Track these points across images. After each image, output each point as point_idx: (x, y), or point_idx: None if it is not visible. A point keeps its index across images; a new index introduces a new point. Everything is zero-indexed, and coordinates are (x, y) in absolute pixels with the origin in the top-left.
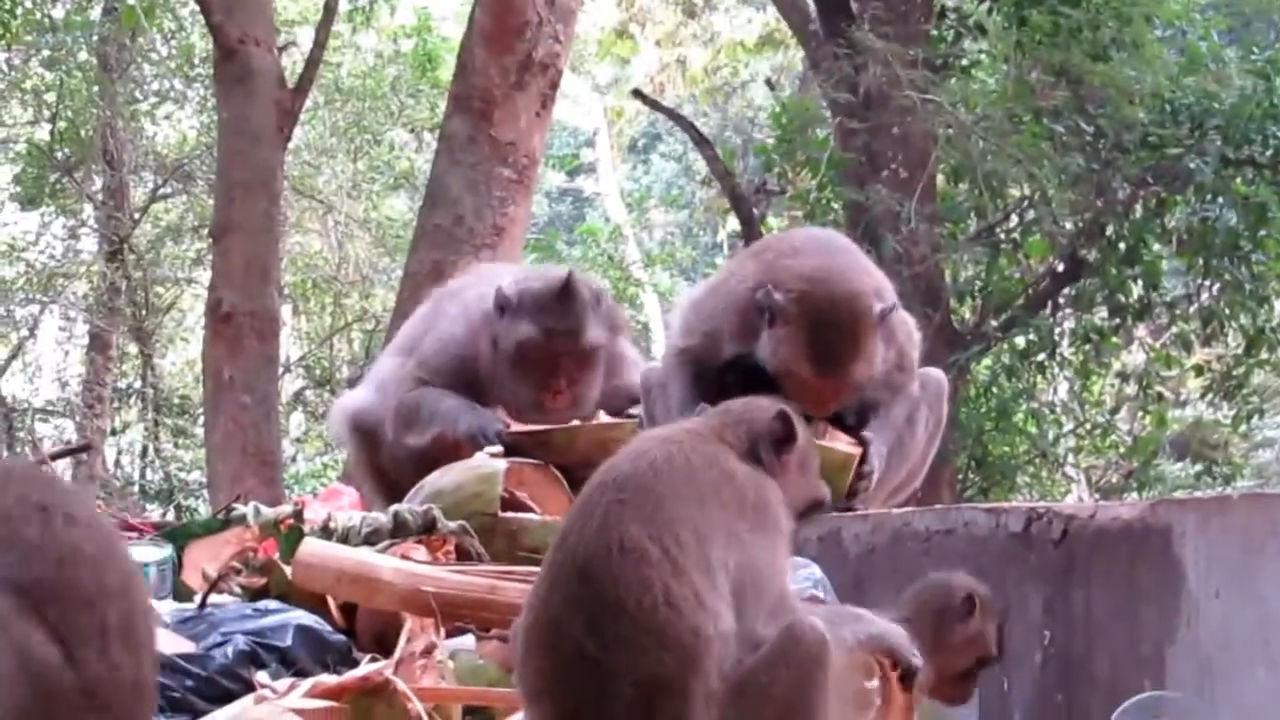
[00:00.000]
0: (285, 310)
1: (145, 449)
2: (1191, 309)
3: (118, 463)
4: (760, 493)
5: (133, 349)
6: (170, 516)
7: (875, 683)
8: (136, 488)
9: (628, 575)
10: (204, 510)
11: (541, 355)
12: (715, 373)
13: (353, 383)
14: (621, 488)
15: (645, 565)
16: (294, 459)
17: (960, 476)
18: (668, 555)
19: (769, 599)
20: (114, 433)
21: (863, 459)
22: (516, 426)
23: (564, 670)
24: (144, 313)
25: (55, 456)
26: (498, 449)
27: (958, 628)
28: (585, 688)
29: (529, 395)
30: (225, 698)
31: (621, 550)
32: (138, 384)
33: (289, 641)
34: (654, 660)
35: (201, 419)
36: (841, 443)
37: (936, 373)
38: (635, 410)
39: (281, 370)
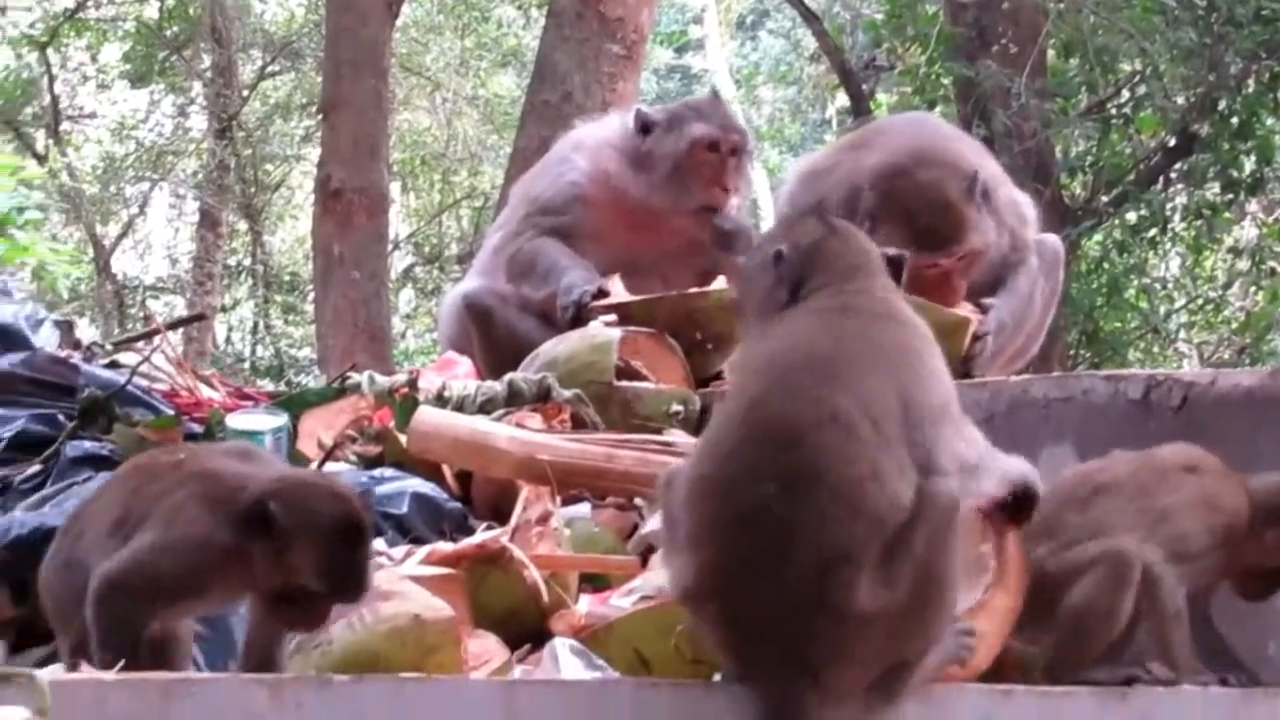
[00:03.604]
0: (394, 187)
1: (255, 325)
2: None
3: (228, 339)
4: (916, 337)
5: (242, 226)
6: None
7: (988, 546)
8: (247, 364)
9: (836, 448)
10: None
11: (715, 150)
12: None
13: (461, 259)
14: (827, 362)
15: (854, 440)
16: (403, 335)
17: (1071, 352)
18: (877, 428)
19: (945, 431)
20: (224, 309)
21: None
22: (606, 300)
23: (744, 522)
24: (253, 190)
25: (171, 327)
26: (612, 318)
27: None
28: (764, 541)
29: (698, 197)
30: None
31: (834, 421)
32: (247, 261)
33: (405, 509)
34: (845, 533)
35: (311, 295)
36: (963, 310)
37: (1053, 239)
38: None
39: (391, 247)
